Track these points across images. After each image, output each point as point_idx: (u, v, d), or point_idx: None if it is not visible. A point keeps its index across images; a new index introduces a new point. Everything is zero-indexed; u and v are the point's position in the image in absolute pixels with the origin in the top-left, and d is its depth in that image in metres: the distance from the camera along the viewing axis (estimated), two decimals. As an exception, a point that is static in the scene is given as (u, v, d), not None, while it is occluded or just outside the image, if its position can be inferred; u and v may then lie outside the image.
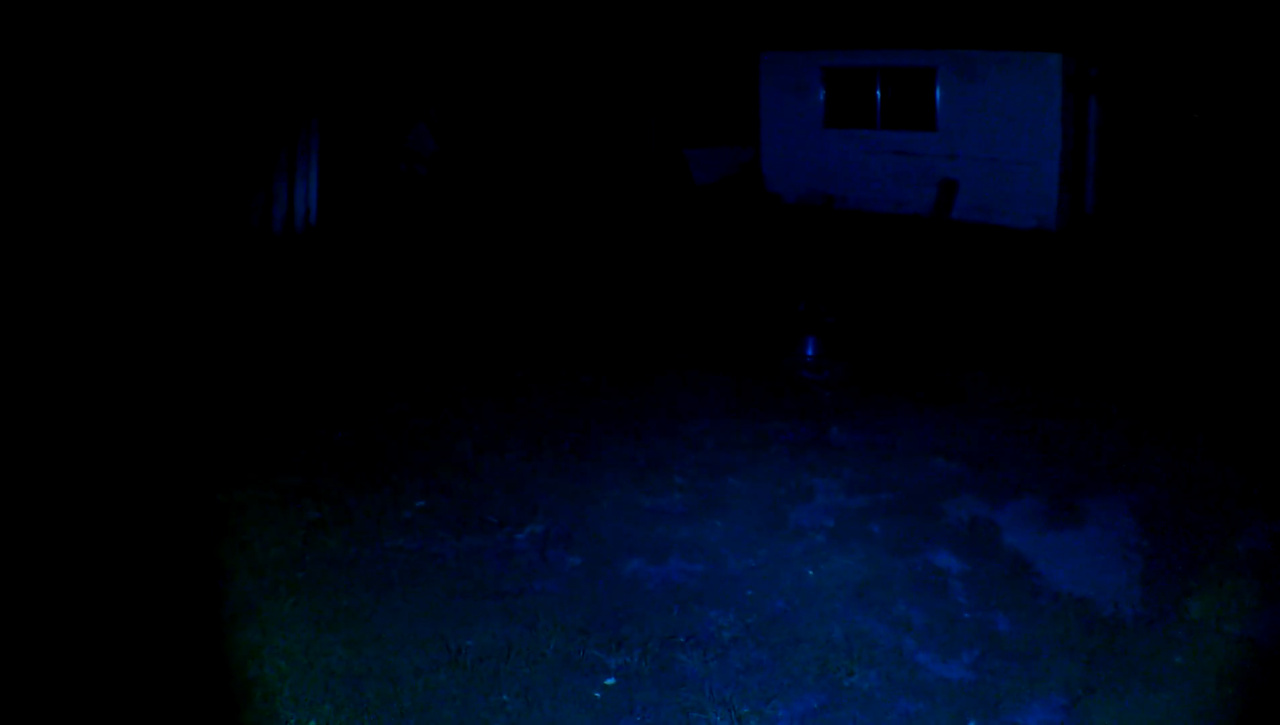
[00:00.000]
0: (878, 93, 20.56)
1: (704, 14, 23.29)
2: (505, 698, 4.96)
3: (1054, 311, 12.86)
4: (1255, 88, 21.30)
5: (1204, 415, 9.08)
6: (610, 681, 5.12)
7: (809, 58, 21.38)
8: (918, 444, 8.27)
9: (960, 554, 6.45)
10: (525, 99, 23.48)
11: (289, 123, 16.11)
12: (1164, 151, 21.49)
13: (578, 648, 5.37)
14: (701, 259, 15.79)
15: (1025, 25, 18.89)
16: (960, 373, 10.19)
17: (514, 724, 4.79)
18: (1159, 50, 20.96)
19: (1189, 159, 21.51)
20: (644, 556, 6.37)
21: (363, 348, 11.05)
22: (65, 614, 5.56)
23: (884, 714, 4.89)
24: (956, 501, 7.22)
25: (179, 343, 10.73)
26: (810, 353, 10.22)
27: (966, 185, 19.40)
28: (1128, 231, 18.86)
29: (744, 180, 21.79)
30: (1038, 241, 17.58)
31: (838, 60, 21.04)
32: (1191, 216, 19.61)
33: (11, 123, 12.08)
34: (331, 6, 18.00)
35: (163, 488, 7.32)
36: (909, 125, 20.33)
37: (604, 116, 23.97)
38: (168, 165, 13.65)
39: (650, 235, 17.75)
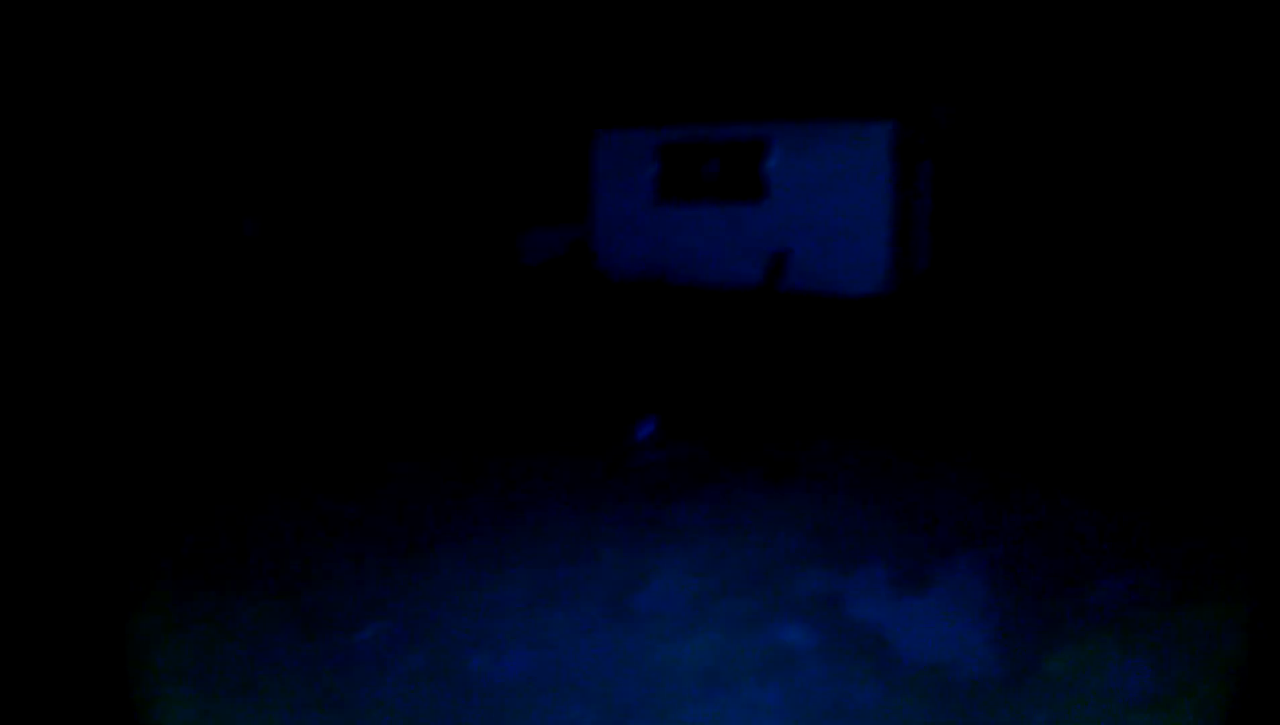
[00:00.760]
0: (709, 167, 20.83)
1: (536, 93, 23.39)
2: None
3: (890, 374, 13.05)
4: (1082, 148, 22.02)
5: (1046, 467, 9.26)
6: (457, 788, 4.98)
7: (642, 134, 21.57)
8: (761, 519, 8.22)
9: (811, 629, 6.37)
10: (354, 182, 23.26)
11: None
12: (995, 212, 22.10)
13: (423, 754, 5.21)
14: (533, 341, 15.71)
15: (854, 95, 19.29)
16: (802, 443, 10.22)
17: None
18: (989, 115, 21.59)
19: (1019, 219, 22.14)
20: (487, 652, 6.19)
21: (173, 444, 10.69)
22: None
23: (743, 804, 4.82)
24: (804, 575, 7.17)
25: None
26: (647, 432, 10.16)
27: (799, 255, 19.66)
28: (960, 291, 19.29)
29: (576, 259, 21.82)
30: (871, 307, 17.87)
31: (670, 136, 21.25)
32: (1022, 273, 20.15)
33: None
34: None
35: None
36: (741, 197, 20.60)
37: (432, 198, 23.84)
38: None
39: (480, 318, 17.62)
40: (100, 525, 8.42)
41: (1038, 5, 21.36)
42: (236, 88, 21.70)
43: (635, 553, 7.62)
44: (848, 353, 14.43)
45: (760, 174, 20.29)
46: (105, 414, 11.65)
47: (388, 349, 15.12)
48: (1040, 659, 5.91)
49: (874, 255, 19.23)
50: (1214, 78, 21.06)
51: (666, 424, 10.41)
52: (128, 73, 19.40)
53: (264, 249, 21.53)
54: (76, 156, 18.04)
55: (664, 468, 9.59)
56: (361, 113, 23.50)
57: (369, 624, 6.59)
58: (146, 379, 13.32)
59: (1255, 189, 20.47)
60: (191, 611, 6.85)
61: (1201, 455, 9.58)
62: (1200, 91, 21.40)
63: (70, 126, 18.31)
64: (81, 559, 7.80)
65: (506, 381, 13.08)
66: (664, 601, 6.82)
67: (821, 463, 9.64)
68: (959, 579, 7.04)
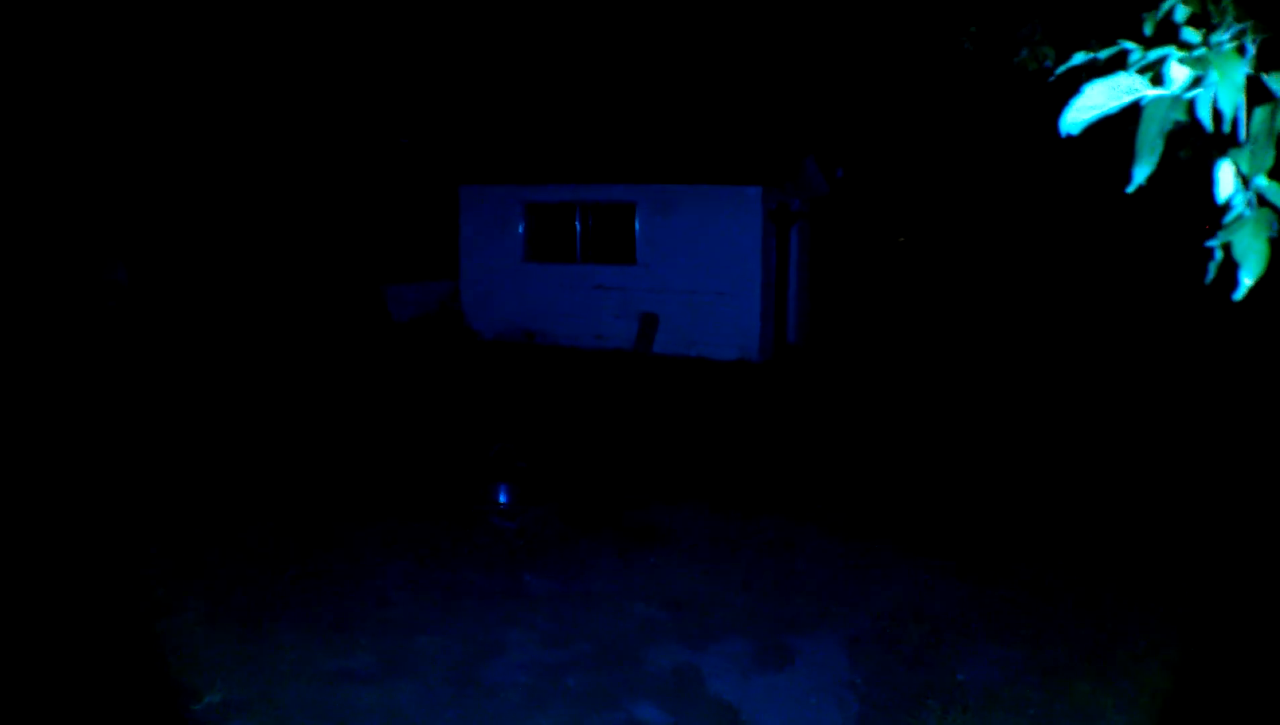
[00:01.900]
0: (578, 226, 20.76)
1: (401, 146, 23.27)
2: None
3: (756, 439, 13.04)
4: (954, 213, 22.50)
5: (910, 536, 9.24)
6: None
7: (509, 191, 21.48)
8: (617, 589, 8.07)
9: (664, 705, 6.23)
10: (224, 232, 22.89)
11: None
12: (866, 279, 22.42)
13: (253, 835, 4.97)
14: (394, 399, 15.47)
15: (724, 160, 19.43)
16: (663, 510, 10.11)
17: None
18: (858, 183, 21.92)
19: (889, 286, 22.49)
20: (330, 724, 5.99)
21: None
22: None
23: None
24: (658, 649, 7.03)
25: None
26: (504, 498, 9.97)
27: (669, 318, 19.69)
28: (829, 358, 19.45)
29: (444, 316, 21.63)
30: (740, 372, 17.91)
31: (538, 195, 21.19)
32: (890, 339, 20.40)
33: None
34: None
35: None
36: (610, 259, 20.56)
37: (300, 250, 23.53)
38: None
39: (342, 374, 17.33)
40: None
41: (900, 81, 21.79)
42: (106, 137, 21.27)
43: (485, 622, 7.42)
44: (715, 418, 14.41)
45: (629, 236, 20.29)
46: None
47: (248, 405, 14.75)
48: (901, 741, 5.83)
49: (746, 321, 19.29)
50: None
51: (525, 488, 10.25)
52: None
53: (134, 295, 21.01)
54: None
55: (518, 534, 9.40)
56: (232, 165, 23.17)
57: (206, 695, 6.33)
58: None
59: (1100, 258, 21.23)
60: (21, 679, 6.55)
61: (1066, 522, 9.66)
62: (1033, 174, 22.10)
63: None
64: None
65: (364, 441, 12.81)
66: (515, 673, 6.63)
67: (681, 530, 9.53)
68: (819, 654, 6.95)
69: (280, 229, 23.61)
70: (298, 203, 23.99)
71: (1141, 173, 2.40)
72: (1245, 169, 2.37)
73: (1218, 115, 2.36)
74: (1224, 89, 2.35)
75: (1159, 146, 2.39)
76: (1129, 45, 2.64)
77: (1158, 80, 2.45)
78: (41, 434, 12.73)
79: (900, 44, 21.49)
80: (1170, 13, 2.71)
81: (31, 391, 14.99)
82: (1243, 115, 2.38)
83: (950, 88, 21.51)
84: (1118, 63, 2.62)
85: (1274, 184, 2.36)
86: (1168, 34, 2.65)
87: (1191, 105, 2.41)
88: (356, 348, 19.78)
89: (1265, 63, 2.44)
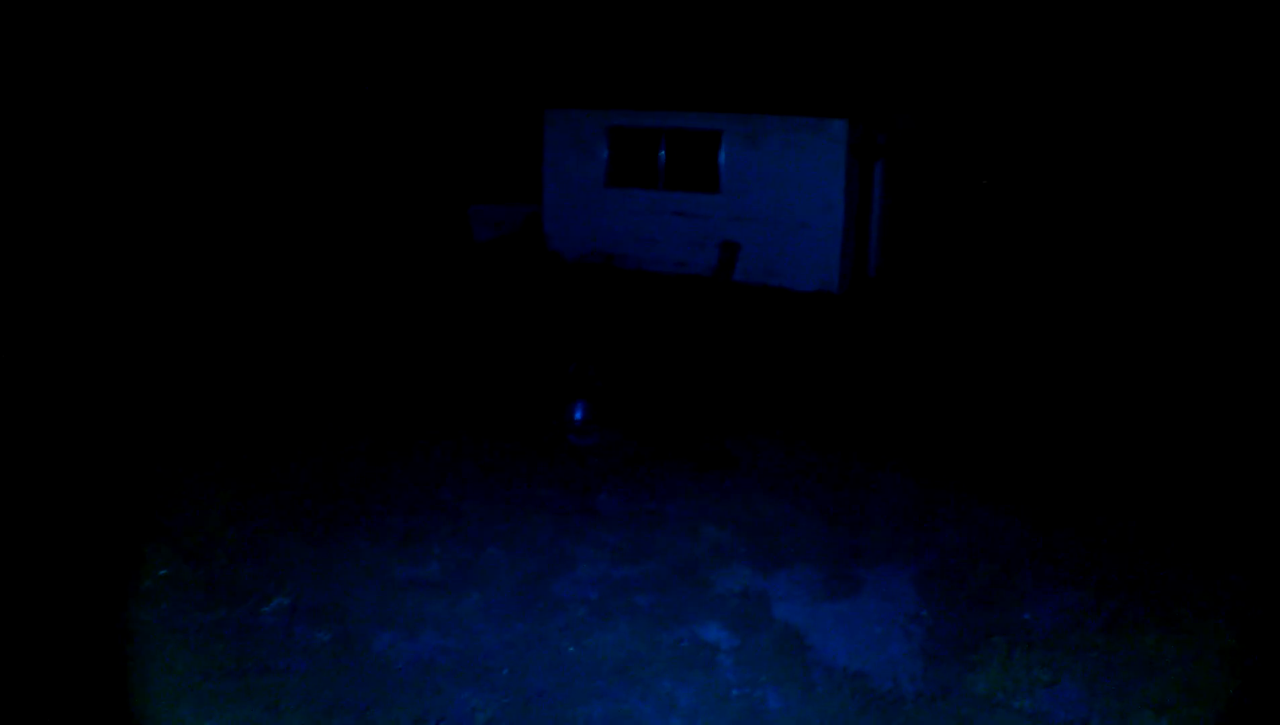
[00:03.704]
0: (662, 153, 20.60)
1: (489, 69, 23.20)
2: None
3: (834, 373, 12.92)
4: (1035, 156, 22.12)
5: (988, 476, 9.13)
6: (353, 770, 4.81)
7: (594, 116, 21.33)
8: (688, 511, 8.06)
9: (730, 627, 6.24)
10: (306, 155, 23.01)
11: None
12: (947, 215, 22.12)
13: (320, 733, 5.04)
14: (476, 318, 15.49)
15: (811, 92, 19.18)
16: (737, 437, 10.06)
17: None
18: (945, 120, 21.60)
19: (970, 223, 22.18)
20: (396, 631, 6.02)
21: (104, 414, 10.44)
22: None
23: (645, 802, 4.67)
24: (727, 572, 7.03)
25: None
26: (579, 417, 9.95)
27: (750, 247, 19.53)
28: (909, 293, 19.24)
29: (526, 237, 21.61)
30: (820, 303, 17.76)
31: (623, 120, 21.03)
32: (970, 277, 20.16)
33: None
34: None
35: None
36: (693, 186, 20.40)
37: (384, 169, 23.61)
38: None
39: (426, 293, 17.38)
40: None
41: (992, 17, 21.39)
42: (193, 66, 21.39)
43: (557, 537, 7.46)
44: (793, 349, 14.29)
45: (713, 164, 20.11)
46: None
47: (335, 324, 14.83)
48: (966, 675, 5.78)
49: (827, 252, 19.09)
50: (1152, 90, 21.26)
51: (601, 407, 10.23)
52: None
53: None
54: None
55: (593, 452, 9.42)
56: (316, 88, 23.24)
57: (276, 597, 6.41)
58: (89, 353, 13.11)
59: (1200, 196, 20.71)
60: (101, 572, 6.67)
61: (1138, 475, 9.49)
62: (1137, 104, 21.58)
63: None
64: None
65: (445, 357, 12.86)
66: (583, 589, 6.66)
67: (754, 458, 9.48)
68: (887, 586, 6.91)
69: (371, 150, 23.70)
70: (388, 124, 24.05)
71: None
72: None
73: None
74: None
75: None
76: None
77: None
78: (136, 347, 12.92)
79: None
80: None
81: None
82: None
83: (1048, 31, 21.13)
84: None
85: None
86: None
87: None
88: (440, 266, 19.84)
89: None
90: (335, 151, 23.35)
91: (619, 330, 14.71)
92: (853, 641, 6.15)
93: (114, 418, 9.99)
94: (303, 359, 12.61)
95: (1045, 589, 6.91)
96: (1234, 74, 20.29)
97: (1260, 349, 14.99)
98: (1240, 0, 20.20)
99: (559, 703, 5.37)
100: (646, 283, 18.94)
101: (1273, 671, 6.14)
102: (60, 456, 8.78)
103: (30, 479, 8.19)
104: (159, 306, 15.00)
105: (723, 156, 19.92)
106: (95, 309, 14.49)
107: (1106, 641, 6.24)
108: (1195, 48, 20.52)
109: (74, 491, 8.01)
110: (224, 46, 21.70)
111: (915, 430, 10.55)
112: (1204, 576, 7.25)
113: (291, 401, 10.83)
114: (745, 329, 15.53)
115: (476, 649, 5.86)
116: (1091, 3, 21.62)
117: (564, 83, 21.75)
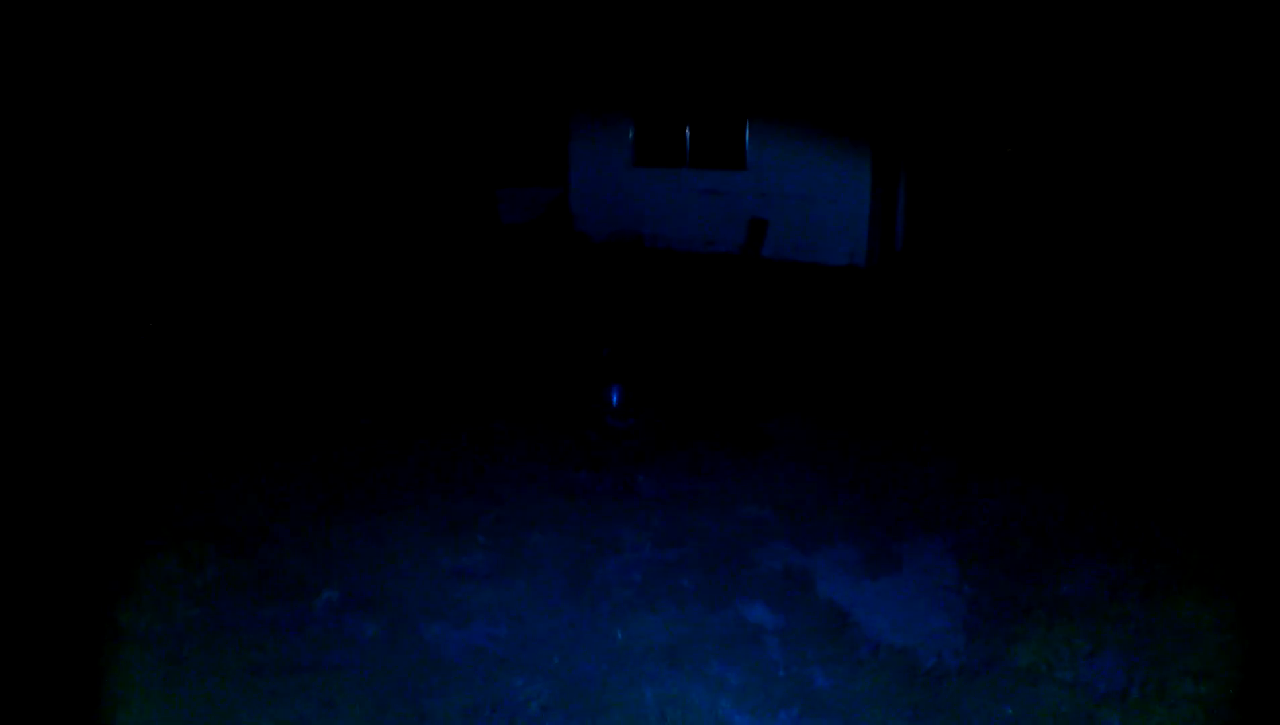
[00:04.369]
0: (688, 132, 20.62)
1: (514, 52, 23.22)
2: (297, 784, 4.68)
3: (867, 348, 12.95)
4: (1056, 128, 22.04)
5: (1023, 451, 9.16)
6: (410, 761, 4.89)
7: (621, 96, 21.39)
8: (728, 492, 8.12)
9: (774, 606, 6.30)
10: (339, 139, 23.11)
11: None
12: (972, 190, 22.09)
13: (378, 724, 5.11)
14: (507, 300, 15.56)
15: (832, 103, 19.18)
16: (772, 416, 10.12)
17: (306, 813, 4.51)
18: (967, 97, 21.55)
19: (997, 198, 22.15)
20: (446, 621, 6.10)
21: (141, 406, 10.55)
22: None
23: (698, 783, 4.74)
24: (768, 551, 7.09)
25: None
26: (615, 400, 10.02)
27: (778, 224, 19.58)
28: (936, 267, 19.24)
29: (553, 219, 21.68)
30: (849, 278, 17.78)
31: (649, 100, 21.08)
32: (997, 251, 20.14)
33: None
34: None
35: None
36: (720, 164, 20.45)
37: (413, 154, 23.69)
38: None
39: (455, 276, 17.46)
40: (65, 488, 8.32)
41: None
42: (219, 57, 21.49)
43: (598, 522, 7.53)
44: (824, 326, 14.32)
45: (740, 142, 20.15)
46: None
47: (368, 311, 14.91)
48: (1008, 648, 5.82)
49: (855, 227, 19.13)
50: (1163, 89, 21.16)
51: (636, 391, 10.30)
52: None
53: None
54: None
55: (630, 436, 9.48)
56: (346, 74, 23.33)
57: (325, 590, 6.49)
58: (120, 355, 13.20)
59: (1212, 185, 20.62)
60: (151, 571, 6.74)
61: (1175, 447, 9.51)
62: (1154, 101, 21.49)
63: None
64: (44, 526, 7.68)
65: (478, 342, 12.94)
66: (628, 572, 6.72)
67: (791, 437, 9.53)
68: (927, 561, 6.95)
69: (402, 134, 23.79)
70: (416, 110, 24.12)
71: None
72: None
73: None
74: None
75: None
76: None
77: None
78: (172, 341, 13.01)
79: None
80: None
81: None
82: None
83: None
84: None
85: None
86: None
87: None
88: (469, 248, 19.92)
89: None
90: (366, 138, 23.44)
91: (650, 311, 14.76)
92: (896, 617, 6.20)
93: (153, 414, 10.09)
94: (336, 348, 12.70)
95: (1083, 562, 6.94)
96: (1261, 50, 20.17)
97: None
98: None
99: (610, 687, 5.44)
100: (675, 262, 18.99)
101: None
102: (101, 458, 8.88)
103: (71, 483, 8.30)
104: (190, 300, 15.09)
105: (749, 133, 19.93)
106: (130, 296, 14.60)
107: (1144, 612, 6.27)
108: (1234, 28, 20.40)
109: (110, 488, 8.11)
110: (257, 37, 21.81)
111: (948, 407, 10.57)
112: (1239, 547, 7.29)
113: (327, 391, 10.92)
114: (775, 306, 15.56)
115: (526, 636, 5.94)
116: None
117: (591, 72, 21.76)
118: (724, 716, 5.22)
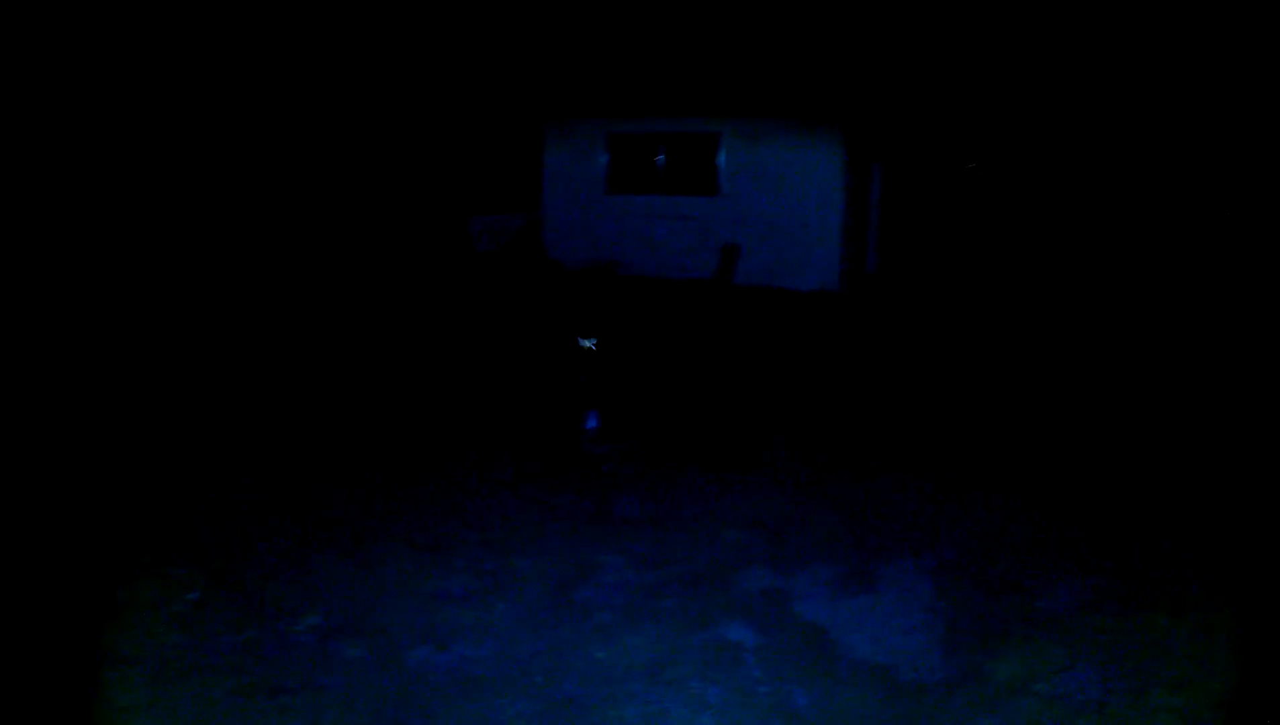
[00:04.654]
0: (661, 157, 20.71)
1: (489, 81, 23.29)
2: (282, 807, 4.71)
3: (840, 372, 13.04)
4: (1031, 148, 22.22)
5: (1000, 469, 9.27)
6: (396, 783, 4.92)
7: (593, 123, 21.46)
8: (706, 515, 8.19)
9: (754, 627, 6.36)
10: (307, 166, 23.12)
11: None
12: (942, 213, 22.25)
13: (362, 747, 5.15)
14: (483, 330, 15.61)
15: (807, 97, 19.29)
16: (750, 439, 10.21)
17: (292, 836, 4.54)
18: (935, 118, 21.71)
19: (964, 220, 22.30)
20: (429, 644, 6.13)
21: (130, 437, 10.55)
22: None
23: (681, 800, 4.78)
24: (748, 573, 7.15)
25: None
26: (592, 425, 10.11)
27: (751, 249, 19.68)
28: (907, 289, 19.38)
29: (525, 247, 21.74)
30: (821, 302, 17.89)
31: (622, 126, 21.16)
32: (966, 272, 20.29)
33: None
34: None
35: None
36: (692, 190, 20.54)
37: (385, 181, 23.73)
38: None
39: (431, 305, 17.50)
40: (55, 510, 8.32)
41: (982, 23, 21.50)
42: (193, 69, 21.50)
43: (579, 545, 7.58)
44: (798, 349, 14.43)
45: (712, 168, 20.26)
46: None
47: (342, 339, 14.94)
48: (986, 663, 5.90)
49: (826, 251, 19.24)
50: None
51: (613, 416, 10.37)
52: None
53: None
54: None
55: (608, 460, 9.55)
56: (331, 103, 23.39)
57: (308, 614, 6.52)
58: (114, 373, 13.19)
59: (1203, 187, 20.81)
60: (135, 595, 6.76)
61: (1147, 460, 9.63)
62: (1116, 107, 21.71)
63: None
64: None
65: (453, 370, 12.99)
66: (609, 595, 6.78)
67: (767, 460, 9.62)
68: (905, 580, 7.03)
69: (370, 161, 23.82)
70: (387, 136, 24.17)
71: None
72: None
73: None
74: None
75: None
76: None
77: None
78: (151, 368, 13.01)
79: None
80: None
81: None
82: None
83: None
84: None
85: None
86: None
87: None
88: (442, 277, 19.96)
89: None
90: (336, 163, 23.46)
91: (626, 336, 14.83)
92: (875, 635, 6.26)
93: (126, 436, 10.10)
94: (312, 374, 12.72)
95: (1059, 577, 7.03)
96: (1235, 64, 20.41)
97: (1263, 340, 15.11)
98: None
99: (594, 706, 5.48)
100: (649, 288, 19.07)
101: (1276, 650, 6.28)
102: (75, 476, 8.90)
103: (43, 499, 8.31)
104: (162, 323, 15.09)
105: (722, 159, 20.08)
106: (101, 322, 14.60)
107: (1120, 625, 6.38)
108: (1197, 38, 20.64)
109: (91, 512, 8.13)
110: (222, 52, 21.82)
111: (923, 427, 10.68)
112: (1210, 561, 7.40)
113: (304, 417, 10.95)
114: (749, 330, 15.66)
115: (510, 657, 5.98)
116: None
117: (562, 92, 21.85)
118: (706, 733, 5.28)
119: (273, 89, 22.75)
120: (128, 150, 19.87)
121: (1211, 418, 11.16)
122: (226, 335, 14.90)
